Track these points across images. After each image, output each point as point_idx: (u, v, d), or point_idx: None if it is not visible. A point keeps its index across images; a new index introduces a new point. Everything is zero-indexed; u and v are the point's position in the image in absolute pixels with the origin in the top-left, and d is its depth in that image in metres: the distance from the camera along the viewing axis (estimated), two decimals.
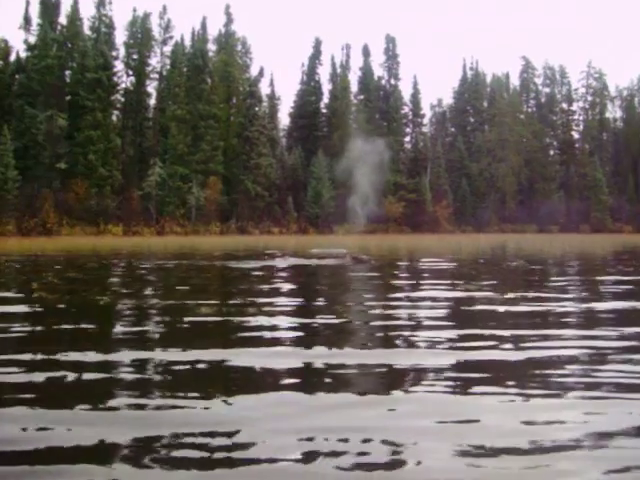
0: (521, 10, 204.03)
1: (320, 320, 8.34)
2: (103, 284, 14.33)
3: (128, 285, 14.18)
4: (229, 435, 3.78)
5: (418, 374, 5.36)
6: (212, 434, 3.80)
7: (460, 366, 5.57)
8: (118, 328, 8.11)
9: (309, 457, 3.49)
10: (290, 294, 12.19)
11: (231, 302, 10.20)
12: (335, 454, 3.52)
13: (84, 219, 71.92)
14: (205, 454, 3.50)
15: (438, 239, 60.39)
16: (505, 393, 4.69)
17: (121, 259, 25.77)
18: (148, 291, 12.63)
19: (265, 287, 13.18)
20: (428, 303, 9.94)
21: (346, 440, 3.71)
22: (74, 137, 74.55)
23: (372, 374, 5.44)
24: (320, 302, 10.71)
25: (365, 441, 3.70)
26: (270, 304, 9.82)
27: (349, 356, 5.94)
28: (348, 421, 4.05)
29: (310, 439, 3.73)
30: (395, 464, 3.42)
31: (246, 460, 3.44)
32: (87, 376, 5.16)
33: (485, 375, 5.27)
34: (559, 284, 13.55)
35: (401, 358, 5.85)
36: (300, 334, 7.37)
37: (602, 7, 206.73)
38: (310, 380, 5.26)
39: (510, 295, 10.88)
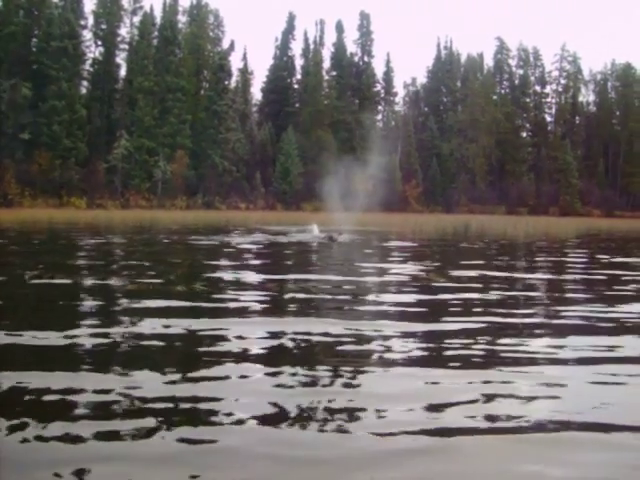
0: None
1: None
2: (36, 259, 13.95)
3: (61, 261, 13.76)
4: None
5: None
6: None
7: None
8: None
9: None
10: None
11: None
12: None
13: (47, 191, 70.63)
14: None
15: (404, 219, 60.04)
16: None
17: (74, 233, 25.32)
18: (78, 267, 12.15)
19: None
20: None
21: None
22: (38, 107, 72.90)
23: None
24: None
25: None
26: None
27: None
28: None
29: None
30: None
31: None
32: None
33: None
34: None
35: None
36: None
37: None
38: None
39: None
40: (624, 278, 12.30)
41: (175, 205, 75.28)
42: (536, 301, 9.38)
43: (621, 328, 7.23)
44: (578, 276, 12.76)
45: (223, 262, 14.52)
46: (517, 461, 3.58)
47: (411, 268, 13.12)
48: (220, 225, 35.71)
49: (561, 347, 6.19)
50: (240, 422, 4.01)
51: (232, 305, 8.13)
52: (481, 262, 15.43)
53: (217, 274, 11.62)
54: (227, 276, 11.15)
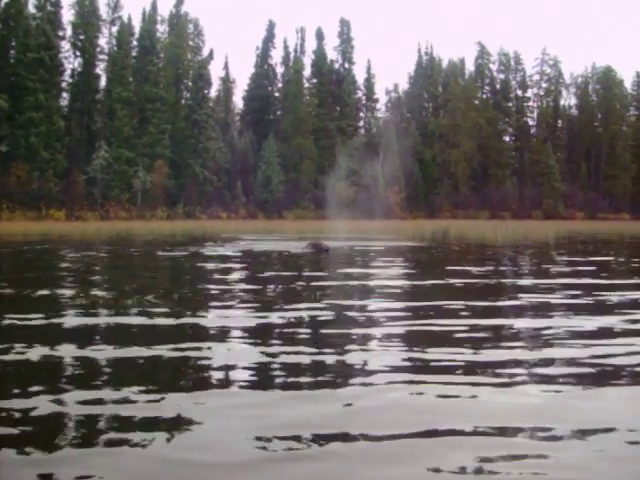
0: None
1: None
2: None
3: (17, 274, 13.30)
4: None
5: None
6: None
7: None
8: None
9: None
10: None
11: None
12: None
13: (25, 203, 69.78)
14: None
15: (387, 225, 59.66)
16: None
17: (42, 245, 24.94)
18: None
19: None
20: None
21: None
22: (15, 119, 72.06)
23: None
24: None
25: None
26: None
27: None
28: None
29: None
30: None
31: None
32: None
33: None
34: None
35: None
36: None
37: None
38: None
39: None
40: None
41: (155, 216, 74.62)
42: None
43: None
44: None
45: (205, 273, 14.06)
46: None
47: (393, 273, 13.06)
48: (198, 235, 35.23)
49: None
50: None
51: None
52: (455, 267, 15.07)
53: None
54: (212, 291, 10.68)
